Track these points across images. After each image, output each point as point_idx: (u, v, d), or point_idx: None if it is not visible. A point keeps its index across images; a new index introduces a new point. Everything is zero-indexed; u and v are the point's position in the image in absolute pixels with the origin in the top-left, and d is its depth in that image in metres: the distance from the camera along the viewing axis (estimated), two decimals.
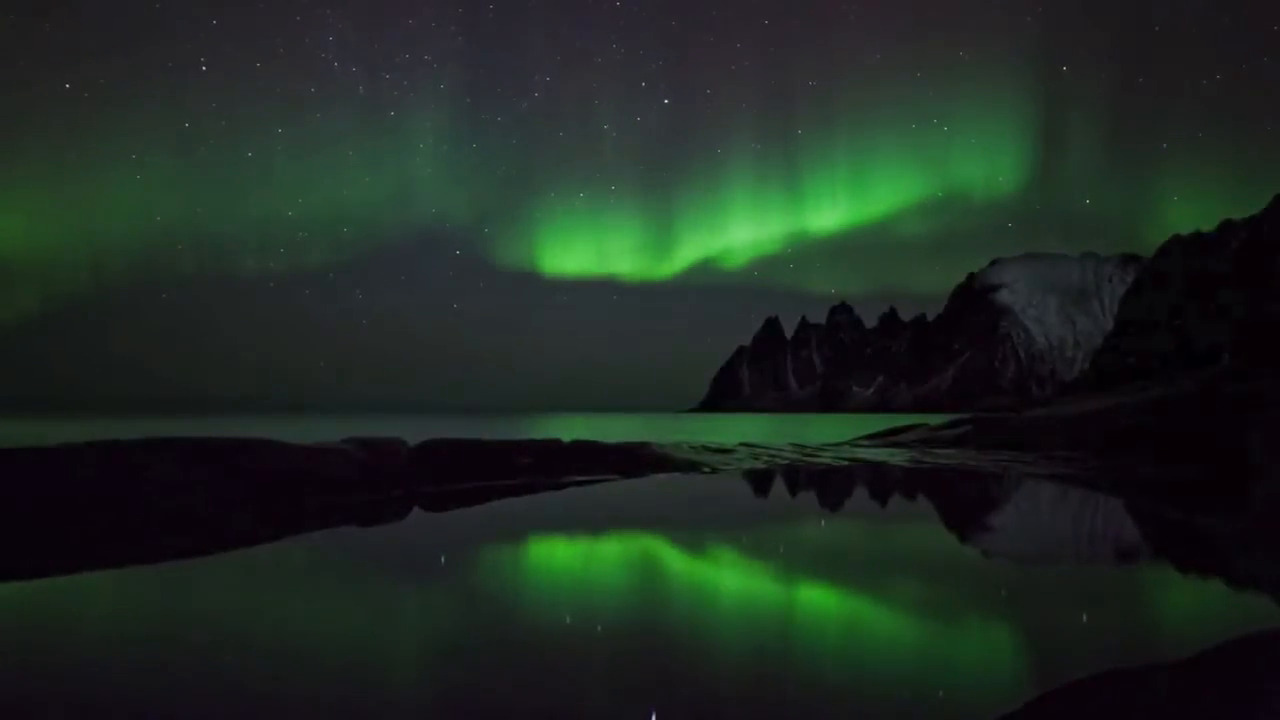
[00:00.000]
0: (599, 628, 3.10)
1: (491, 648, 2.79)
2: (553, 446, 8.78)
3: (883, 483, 8.84)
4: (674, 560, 4.55)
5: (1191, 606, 3.67)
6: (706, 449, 11.18)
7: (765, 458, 10.68)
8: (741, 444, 12.81)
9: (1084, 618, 3.30)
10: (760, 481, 8.69)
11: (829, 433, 23.81)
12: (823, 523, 6.19)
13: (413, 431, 18.49)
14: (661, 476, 8.63)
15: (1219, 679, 2.29)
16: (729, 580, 4.02)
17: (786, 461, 10.49)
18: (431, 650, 2.80)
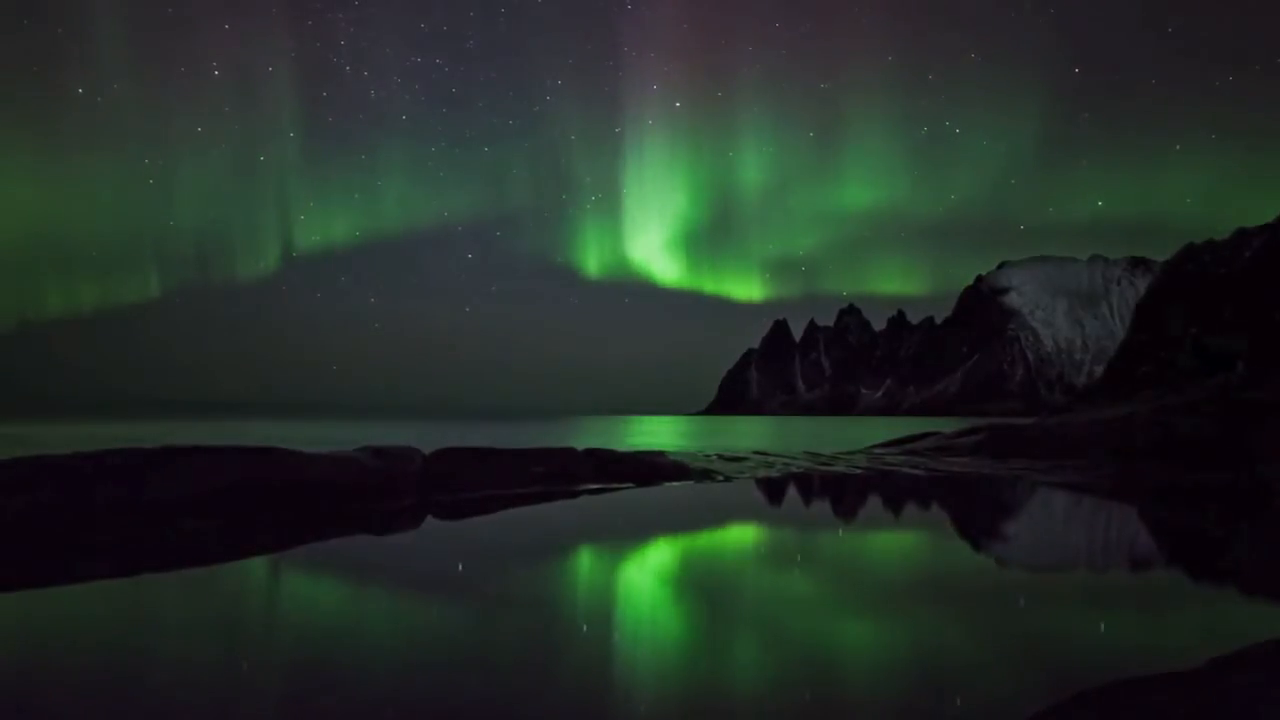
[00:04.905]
0: (615, 636, 3.08)
1: (504, 654, 2.78)
2: (567, 455, 8.75)
3: (898, 491, 8.79)
4: (689, 569, 4.51)
5: (1206, 614, 3.65)
6: (720, 457, 11.13)
7: (779, 465, 10.63)
8: (754, 451, 12.76)
9: (1098, 625, 3.29)
10: (775, 490, 8.65)
11: (841, 438, 23.74)
12: (839, 531, 6.14)
13: (425, 435, 18.61)
14: (675, 485, 8.59)
15: (1232, 687, 2.29)
16: (744, 588, 3.98)
17: (801, 469, 10.43)
18: (443, 656, 2.76)
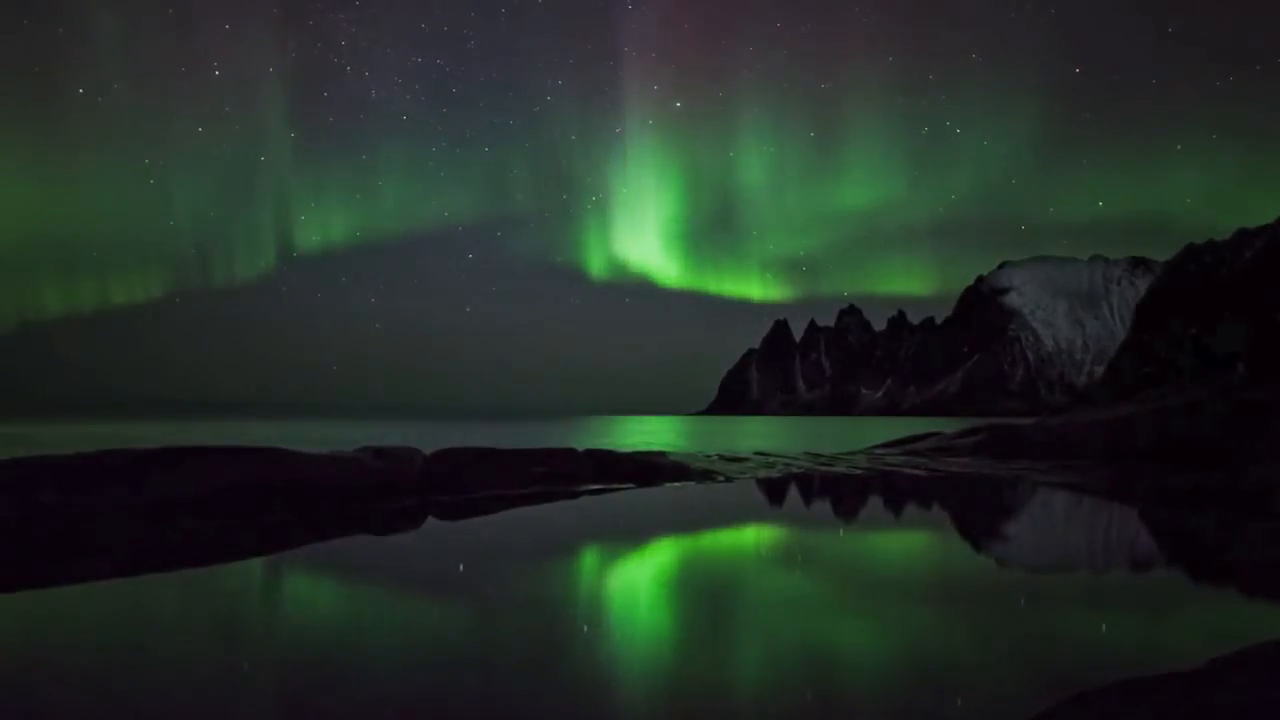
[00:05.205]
0: (616, 637, 3.08)
1: (504, 654, 2.79)
2: (568, 455, 8.75)
3: (899, 492, 8.79)
4: (690, 570, 4.51)
5: (1206, 614, 3.65)
6: (721, 458, 11.13)
7: (780, 466, 10.63)
8: (755, 452, 12.77)
9: (1097, 626, 3.29)
10: (776, 490, 8.65)
11: (841, 439, 23.73)
12: (840, 532, 6.15)
13: (425, 435, 18.59)
14: (676, 485, 8.59)
15: (1232, 688, 2.28)
16: (745, 589, 3.98)
17: (802, 470, 10.44)
18: (443, 656, 2.76)
